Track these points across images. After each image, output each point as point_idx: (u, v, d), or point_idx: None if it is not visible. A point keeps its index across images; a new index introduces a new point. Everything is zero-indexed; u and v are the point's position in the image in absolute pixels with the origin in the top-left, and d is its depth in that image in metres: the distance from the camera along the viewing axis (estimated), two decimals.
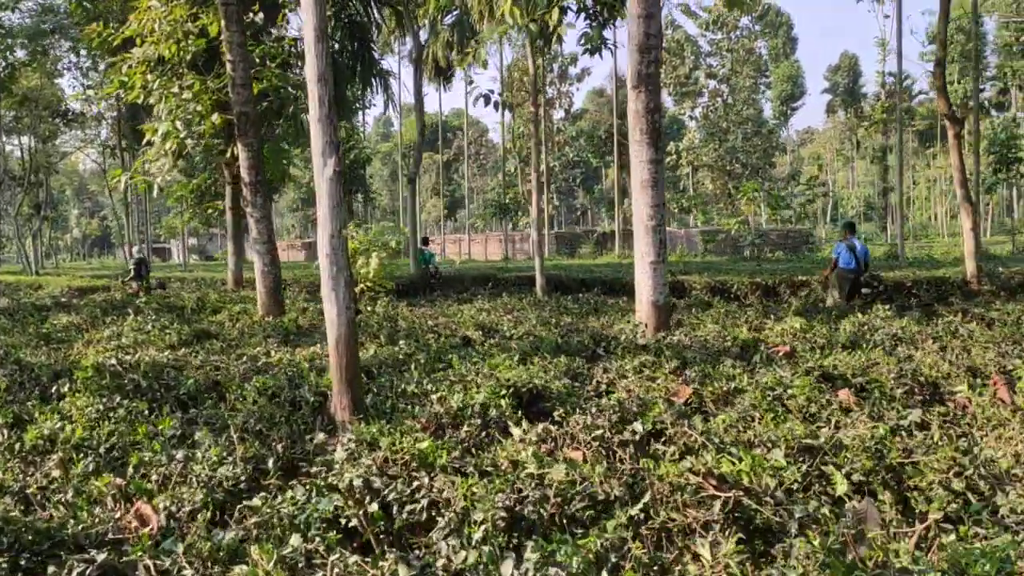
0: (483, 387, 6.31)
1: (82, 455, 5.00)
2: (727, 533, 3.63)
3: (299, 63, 14.71)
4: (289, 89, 13.76)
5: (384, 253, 12.29)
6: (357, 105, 25.44)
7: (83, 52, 32.71)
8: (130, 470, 4.47)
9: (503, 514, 3.67)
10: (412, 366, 7.75)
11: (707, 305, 14.26)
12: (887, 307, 10.96)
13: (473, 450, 5.03)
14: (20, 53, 23.48)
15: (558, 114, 58.85)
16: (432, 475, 4.45)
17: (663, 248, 10.24)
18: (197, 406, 6.71)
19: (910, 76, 75.22)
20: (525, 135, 52.44)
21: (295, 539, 3.40)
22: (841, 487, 4.24)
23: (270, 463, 5.01)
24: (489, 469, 4.34)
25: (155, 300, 16.70)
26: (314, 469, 4.57)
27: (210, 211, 18.95)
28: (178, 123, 12.16)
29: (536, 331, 10.76)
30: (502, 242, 44.35)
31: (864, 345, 7.89)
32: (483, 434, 5.43)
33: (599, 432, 5.17)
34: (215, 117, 13.09)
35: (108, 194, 47.50)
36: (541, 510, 3.89)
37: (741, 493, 3.86)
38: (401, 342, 9.96)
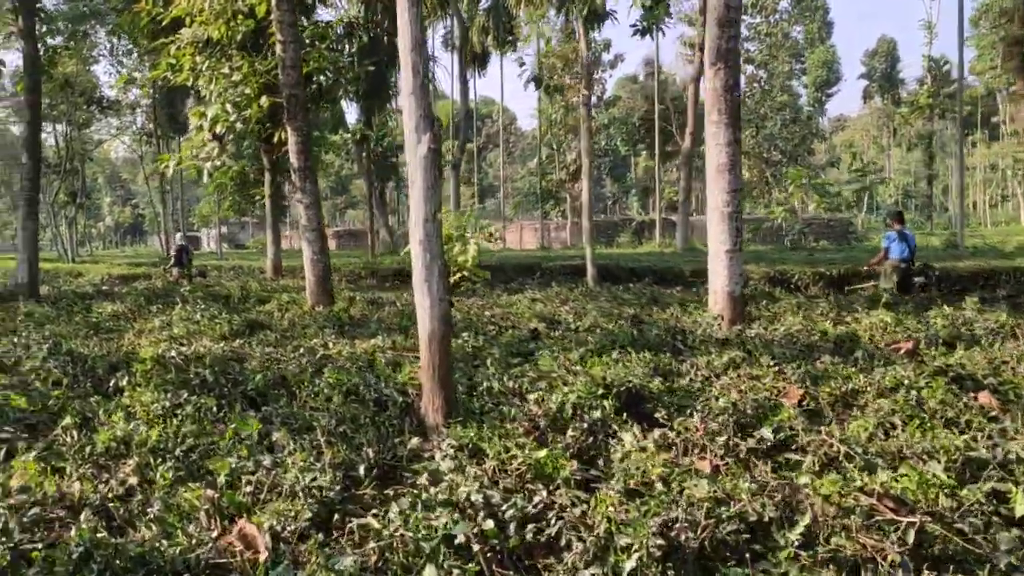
0: (574, 385, 5.84)
1: (159, 460, 4.58)
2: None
3: (345, 45, 14.29)
4: (329, 72, 13.29)
5: (482, 239, 11.79)
6: (393, 91, 25.02)
7: (122, 37, 32.53)
8: (221, 479, 4.02)
9: (660, 541, 3.18)
10: (488, 361, 7.28)
11: (770, 296, 13.69)
12: (974, 299, 10.34)
13: (599, 462, 4.55)
14: (58, 38, 23.28)
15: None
16: (552, 488, 3.99)
17: (740, 236, 9.70)
18: (268, 403, 6.30)
19: (948, 62, 73.35)
20: (560, 122, 51.79)
21: (431, 571, 2.94)
22: (1021, 508, 3.72)
23: (361, 470, 4.57)
24: (639, 488, 3.83)
25: (199, 289, 16.41)
26: (420, 480, 4.12)
27: (258, 198, 18.50)
28: (228, 106, 11.75)
29: (602, 323, 10.28)
30: (536, 230, 43.84)
31: (984, 342, 7.31)
32: (590, 439, 4.95)
33: (723, 439, 4.68)
34: (263, 100, 12.68)
35: (144, 181, 47.50)
36: (691, 535, 3.41)
37: (928, 519, 3.35)
38: (464, 334, 9.52)
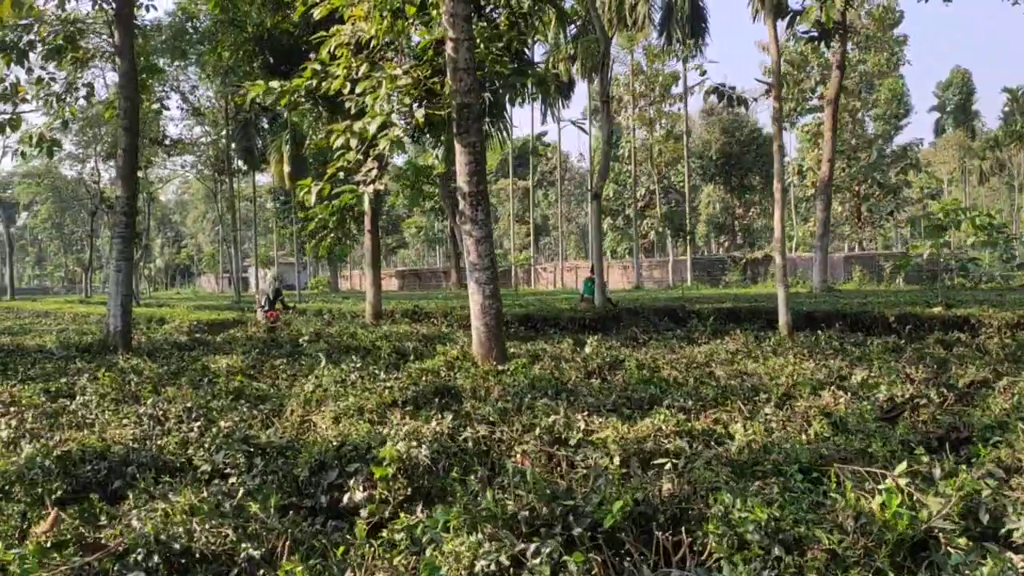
0: None
1: None
2: None
3: (526, 44, 12.16)
4: (505, 78, 10.93)
5: None
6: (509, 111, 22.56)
7: (190, 71, 31.07)
8: None
9: None
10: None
11: None
12: None
13: None
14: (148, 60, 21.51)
15: (638, 132, 55.53)
16: None
17: None
18: (631, 551, 3.80)
19: None
20: (653, 148, 49.66)
21: None
22: None
23: None
24: None
25: (322, 339, 14.09)
26: None
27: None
28: (395, 116, 9.48)
29: (902, 390, 7.68)
30: (626, 269, 41.38)
31: None
32: None
33: None
34: (419, 112, 10.36)
35: (217, 218, 45.88)
36: None
37: None
38: (767, 408, 7.00)
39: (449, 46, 10.14)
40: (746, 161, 53.23)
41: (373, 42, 10.72)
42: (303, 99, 10.93)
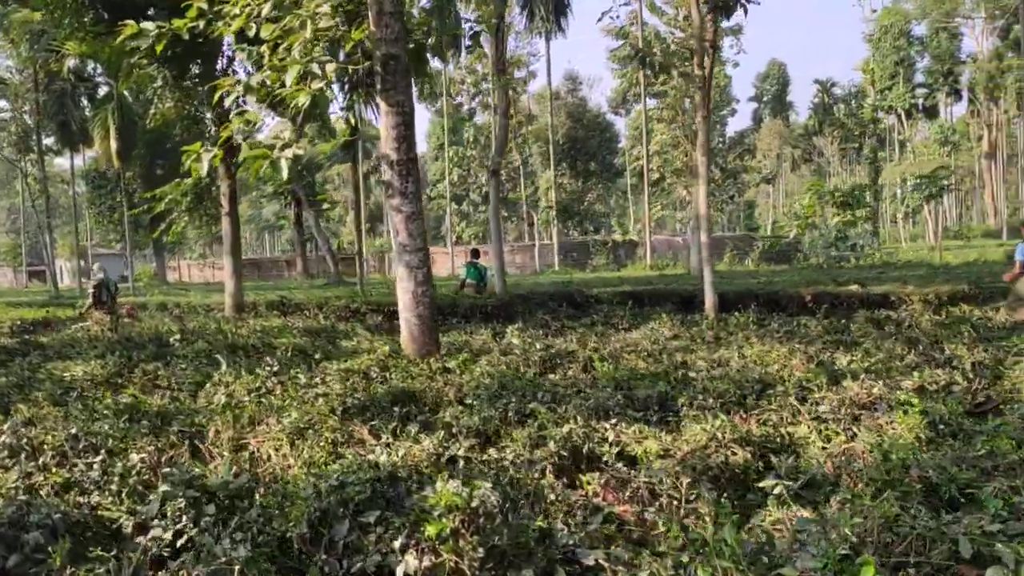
0: None
1: None
2: None
3: None
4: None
5: None
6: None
7: None
8: None
9: None
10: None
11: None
12: None
13: None
14: None
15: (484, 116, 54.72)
16: None
17: None
18: None
19: (837, 84, 75.36)
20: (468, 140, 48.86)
21: None
22: None
23: None
24: None
25: (195, 339, 11.93)
26: None
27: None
28: (315, 66, 7.73)
29: (931, 375, 6.98)
30: (486, 255, 40.21)
31: None
32: None
33: None
34: (330, 67, 8.61)
35: (14, 205, 40.69)
36: None
37: None
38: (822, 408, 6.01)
39: None
40: (591, 146, 53.52)
41: None
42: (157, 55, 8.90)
